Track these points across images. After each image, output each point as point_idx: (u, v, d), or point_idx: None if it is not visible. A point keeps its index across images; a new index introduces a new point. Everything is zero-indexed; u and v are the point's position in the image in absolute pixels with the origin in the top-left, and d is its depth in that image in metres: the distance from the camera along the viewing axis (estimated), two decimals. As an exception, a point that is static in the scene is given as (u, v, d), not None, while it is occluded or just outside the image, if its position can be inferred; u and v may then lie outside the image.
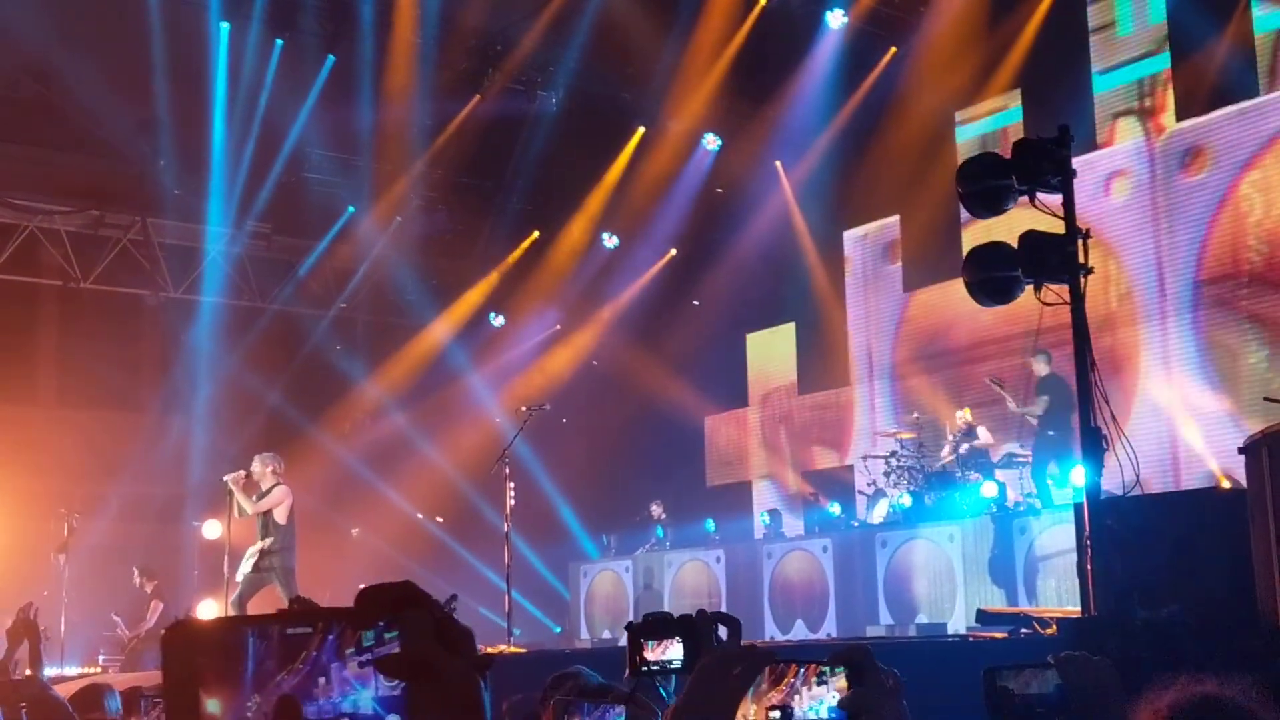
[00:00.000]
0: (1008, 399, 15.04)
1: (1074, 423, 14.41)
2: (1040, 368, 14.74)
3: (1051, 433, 14.32)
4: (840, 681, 2.29)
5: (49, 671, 8.85)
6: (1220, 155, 15.44)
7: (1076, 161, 8.80)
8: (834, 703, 2.29)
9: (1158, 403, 15.46)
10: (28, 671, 7.24)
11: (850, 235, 19.81)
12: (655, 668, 2.77)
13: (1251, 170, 15.17)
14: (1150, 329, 15.95)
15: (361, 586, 1.31)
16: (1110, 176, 16.38)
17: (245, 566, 13.18)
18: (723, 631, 2.80)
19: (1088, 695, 2.68)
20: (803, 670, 2.30)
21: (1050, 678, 2.71)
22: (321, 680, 1.23)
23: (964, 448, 15.34)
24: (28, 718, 5.03)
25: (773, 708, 2.27)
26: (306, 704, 1.24)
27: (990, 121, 17.82)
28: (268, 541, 13.16)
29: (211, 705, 1.24)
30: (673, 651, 2.77)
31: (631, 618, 14.44)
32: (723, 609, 16.16)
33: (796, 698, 2.29)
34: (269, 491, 13.29)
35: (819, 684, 2.29)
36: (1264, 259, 14.98)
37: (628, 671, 2.83)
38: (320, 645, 1.24)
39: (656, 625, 2.81)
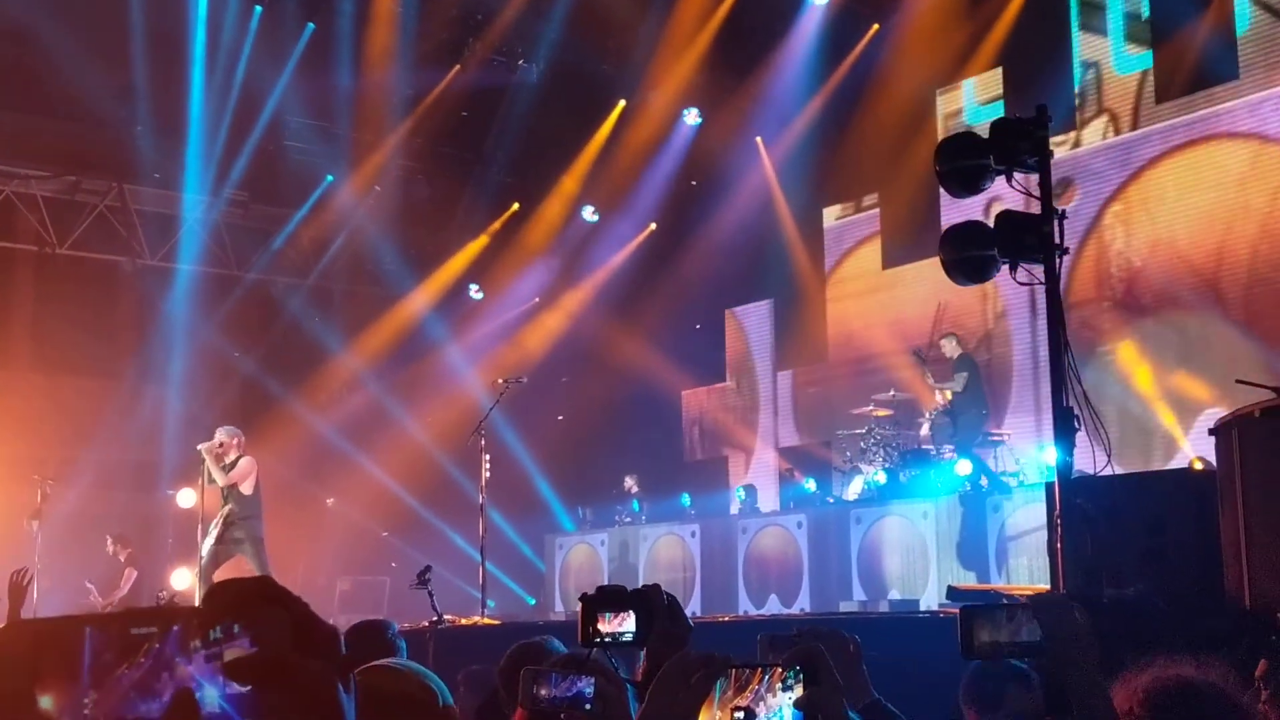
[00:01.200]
0: (926, 374, 15.38)
1: (986, 404, 14.92)
2: (953, 349, 15.28)
3: (984, 412, 14.63)
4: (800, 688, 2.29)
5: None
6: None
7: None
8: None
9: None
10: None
11: (830, 212, 19.81)
12: (608, 639, 2.77)
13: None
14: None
15: (215, 582, 1.23)
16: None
17: (209, 540, 13.21)
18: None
19: (1062, 639, 2.69)
20: (767, 676, 2.30)
21: (1024, 621, 2.71)
22: (165, 676, 1.16)
23: (939, 421, 15.42)
24: None
25: (737, 708, 2.26)
26: (146, 701, 1.16)
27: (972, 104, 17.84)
28: (229, 510, 13.20)
29: (44, 701, 1.18)
30: (626, 624, 2.77)
31: (604, 591, 14.33)
32: (697, 584, 16.32)
33: (761, 704, 2.28)
34: (235, 463, 13.34)
35: (783, 689, 2.29)
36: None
37: (580, 640, 2.83)
38: (163, 639, 1.17)
39: (610, 597, 2.81)
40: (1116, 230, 16.28)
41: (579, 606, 2.87)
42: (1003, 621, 2.76)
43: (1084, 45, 16.63)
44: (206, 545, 13.16)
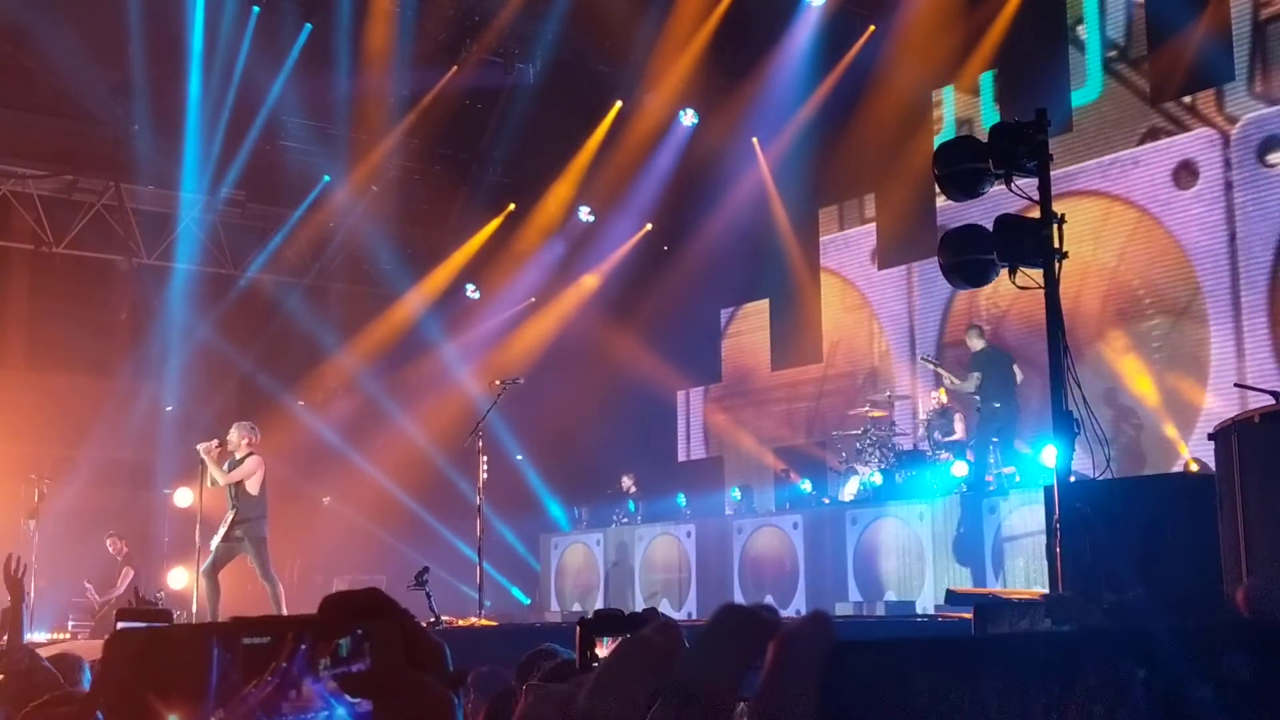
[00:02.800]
0: (944, 375, 15.21)
1: (1018, 394, 14.76)
2: (975, 343, 14.99)
3: (997, 405, 14.46)
4: None
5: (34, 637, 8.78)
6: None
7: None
8: None
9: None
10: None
11: (826, 213, 19.84)
12: None
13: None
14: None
15: (325, 595, 1.22)
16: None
17: (216, 537, 13.18)
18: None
19: None
20: None
21: (1037, 618, 2.73)
22: (292, 694, 1.12)
23: (934, 423, 15.45)
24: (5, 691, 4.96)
25: None
26: None
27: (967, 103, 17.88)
28: (235, 511, 13.16)
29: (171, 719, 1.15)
30: None
31: (601, 591, 14.51)
32: (692, 584, 16.33)
33: None
34: (241, 461, 13.28)
35: None
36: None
37: (577, 666, 2.83)
38: (291, 656, 1.13)
39: (609, 622, 2.82)
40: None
41: (576, 630, 2.87)
42: (1016, 618, 2.78)
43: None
44: (215, 541, 13.15)
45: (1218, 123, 15.26)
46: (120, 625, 1.86)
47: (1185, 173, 15.43)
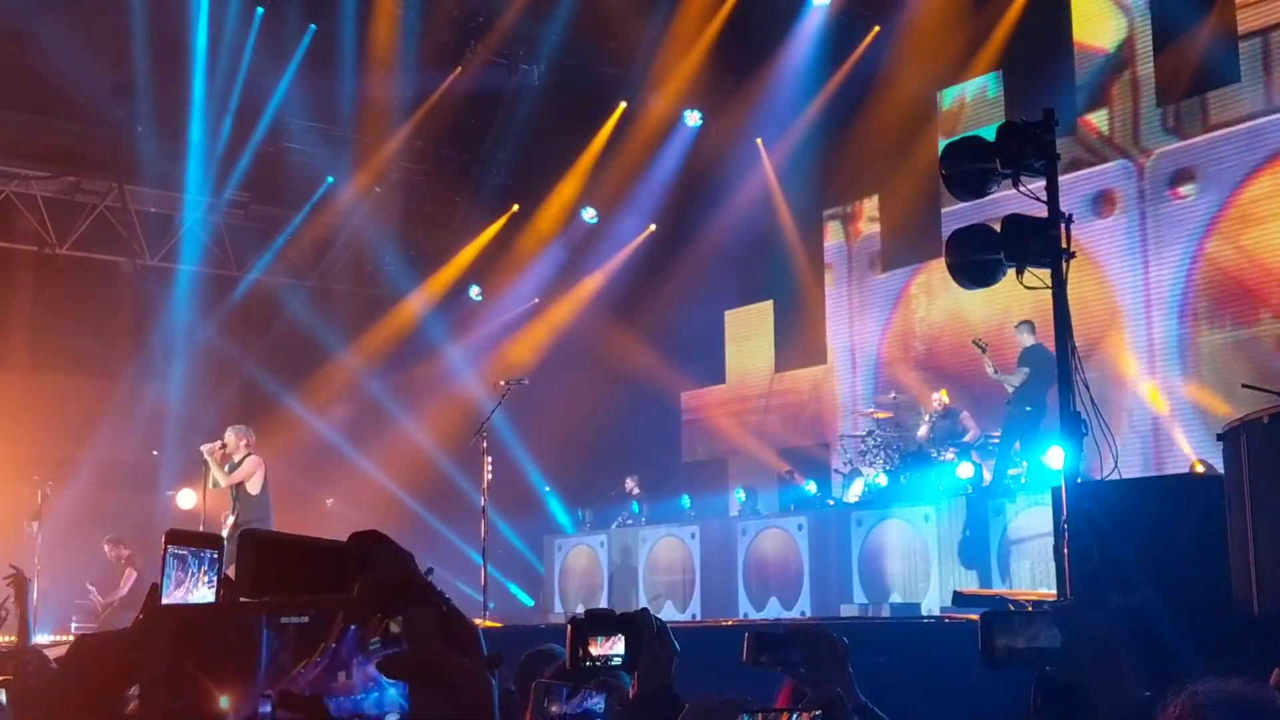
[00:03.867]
0: (986, 363, 14.86)
1: (1051, 399, 14.59)
2: (1025, 338, 14.63)
3: (1028, 408, 14.29)
4: None
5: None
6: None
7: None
8: None
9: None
10: (10, 638, 7.12)
11: (830, 213, 19.82)
12: (598, 664, 2.76)
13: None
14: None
15: (364, 577, 1.19)
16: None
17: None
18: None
19: (1085, 644, 2.68)
20: (794, 717, 2.30)
21: (1043, 627, 2.69)
22: (340, 675, 1.15)
23: (938, 424, 15.40)
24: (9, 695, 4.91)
25: None
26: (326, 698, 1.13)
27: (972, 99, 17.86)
28: (236, 514, 13.16)
29: (222, 702, 1.14)
30: (616, 648, 2.75)
31: (605, 593, 14.40)
32: (697, 585, 16.29)
33: None
34: (241, 463, 13.27)
35: None
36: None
37: (568, 664, 2.81)
38: (340, 637, 1.16)
39: (600, 621, 2.79)
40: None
41: (568, 629, 2.85)
42: (1022, 627, 2.74)
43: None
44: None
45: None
46: (171, 549, 1.81)
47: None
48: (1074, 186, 15.35)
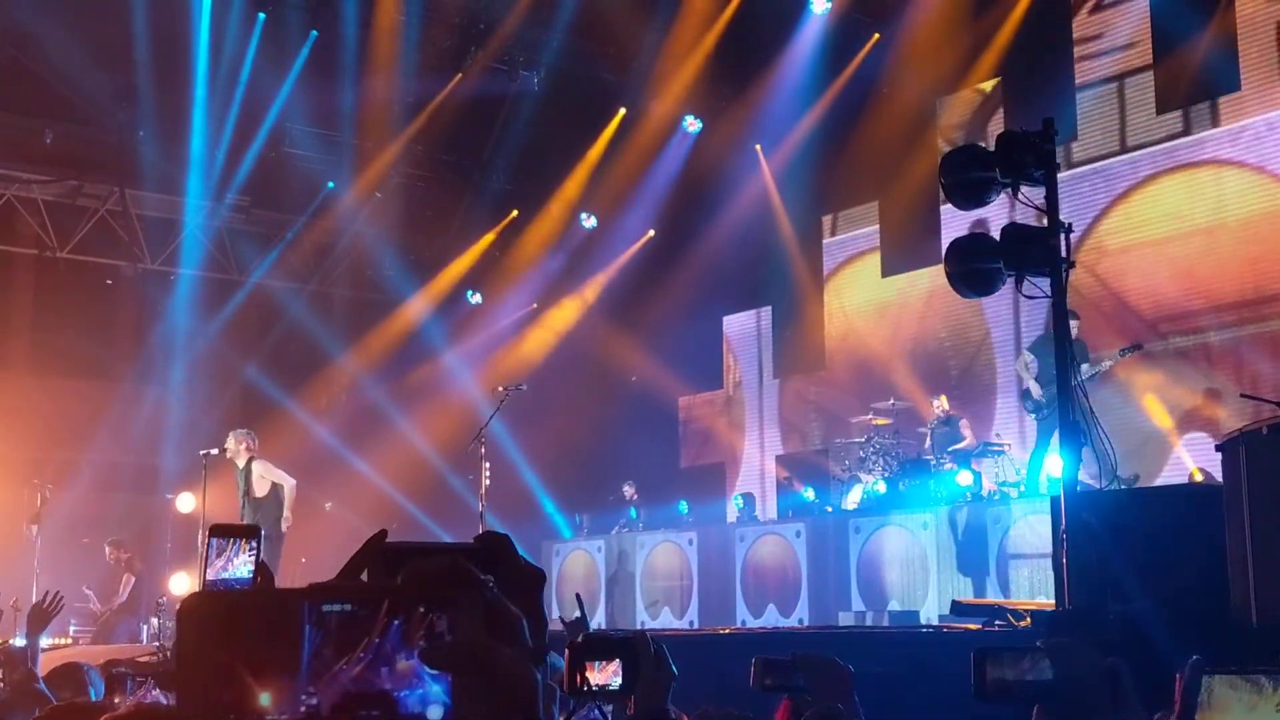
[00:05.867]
0: (1026, 377, 14.35)
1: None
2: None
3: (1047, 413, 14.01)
4: None
5: (16, 643, 8.74)
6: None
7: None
8: None
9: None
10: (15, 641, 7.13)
11: (829, 220, 19.86)
12: (596, 689, 2.76)
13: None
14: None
15: (409, 566, 1.17)
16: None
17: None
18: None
19: (1077, 679, 2.69)
20: None
21: (1036, 661, 2.70)
22: (385, 670, 1.13)
23: (937, 431, 15.42)
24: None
25: None
26: (368, 695, 1.11)
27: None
28: (249, 520, 13.28)
29: (264, 699, 1.12)
30: (614, 673, 2.76)
31: (603, 599, 14.38)
32: (694, 592, 16.30)
33: None
34: (246, 468, 13.42)
35: None
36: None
37: (566, 690, 2.81)
38: (384, 631, 1.13)
39: (598, 646, 2.79)
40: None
41: (565, 654, 2.84)
42: (1013, 661, 2.74)
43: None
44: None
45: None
46: (213, 538, 1.89)
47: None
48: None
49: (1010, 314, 16.93)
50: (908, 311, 18.53)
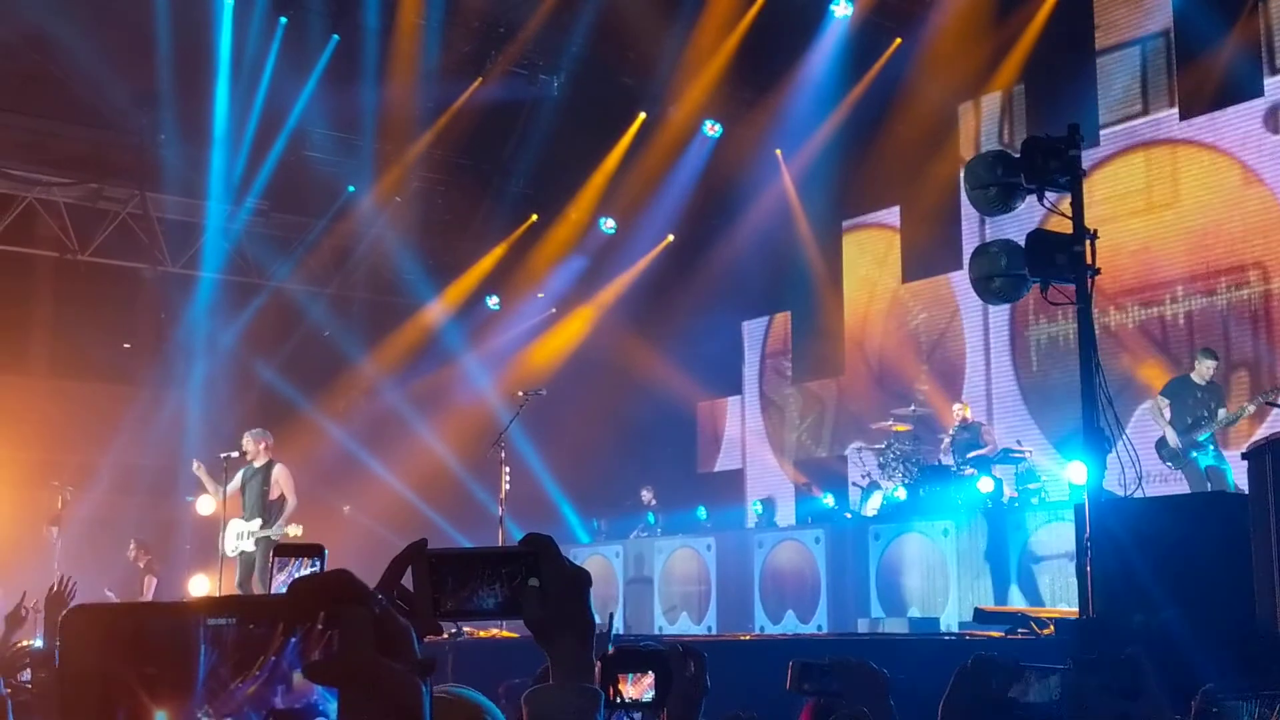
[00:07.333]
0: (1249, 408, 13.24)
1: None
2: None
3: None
4: None
5: (36, 644, 8.76)
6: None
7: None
8: None
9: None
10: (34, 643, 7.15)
11: (850, 224, 19.81)
12: (629, 702, 2.76)
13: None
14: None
15: (293, 578, 1.14)
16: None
17: (243, 543, 13.23)
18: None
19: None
20: None
21: (1036, 680, 2.68)
22: (281, 689, 1.09)
23: (959, 438, 15.36)
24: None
25: None
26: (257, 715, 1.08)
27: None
28: (260, 520, 13.26)
29: (159, 717, 1.08)
30: (646, 686, 2.75)
31: (620, 604, 14.35)
32: (713, 597, 16.26)
33: None
34: (263, 469, 13.42)
35: None
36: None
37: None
38: (281, 649, 1.09)
39: (630, 659, 2.78)
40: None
41: (596, 665, 2.83)
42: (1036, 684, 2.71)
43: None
44: (239, 549, 13.28)
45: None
46: (277, 556, 1.93)
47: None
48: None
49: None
50: (928, 317, 18.47)
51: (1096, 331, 8.77)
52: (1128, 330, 16.00)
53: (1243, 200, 15.16)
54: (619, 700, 2.74)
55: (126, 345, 20.15)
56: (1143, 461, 8.16)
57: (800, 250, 19.85)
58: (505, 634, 12.71)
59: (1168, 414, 12.92)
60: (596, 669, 2.76)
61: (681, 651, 2.94)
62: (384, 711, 1.09)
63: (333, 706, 1.08)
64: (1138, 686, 2.78)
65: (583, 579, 1.72)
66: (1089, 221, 8.40)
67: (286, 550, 1.94)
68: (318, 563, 1.89)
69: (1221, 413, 12.68)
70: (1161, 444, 12.95)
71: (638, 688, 2.74)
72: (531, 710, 1.76)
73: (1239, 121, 15.32)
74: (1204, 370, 12.77)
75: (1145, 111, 16.20)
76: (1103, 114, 16.33)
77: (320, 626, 1.08)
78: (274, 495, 13.53)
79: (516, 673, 5.50)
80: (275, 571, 1.90)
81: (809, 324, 20.21)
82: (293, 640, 1.09)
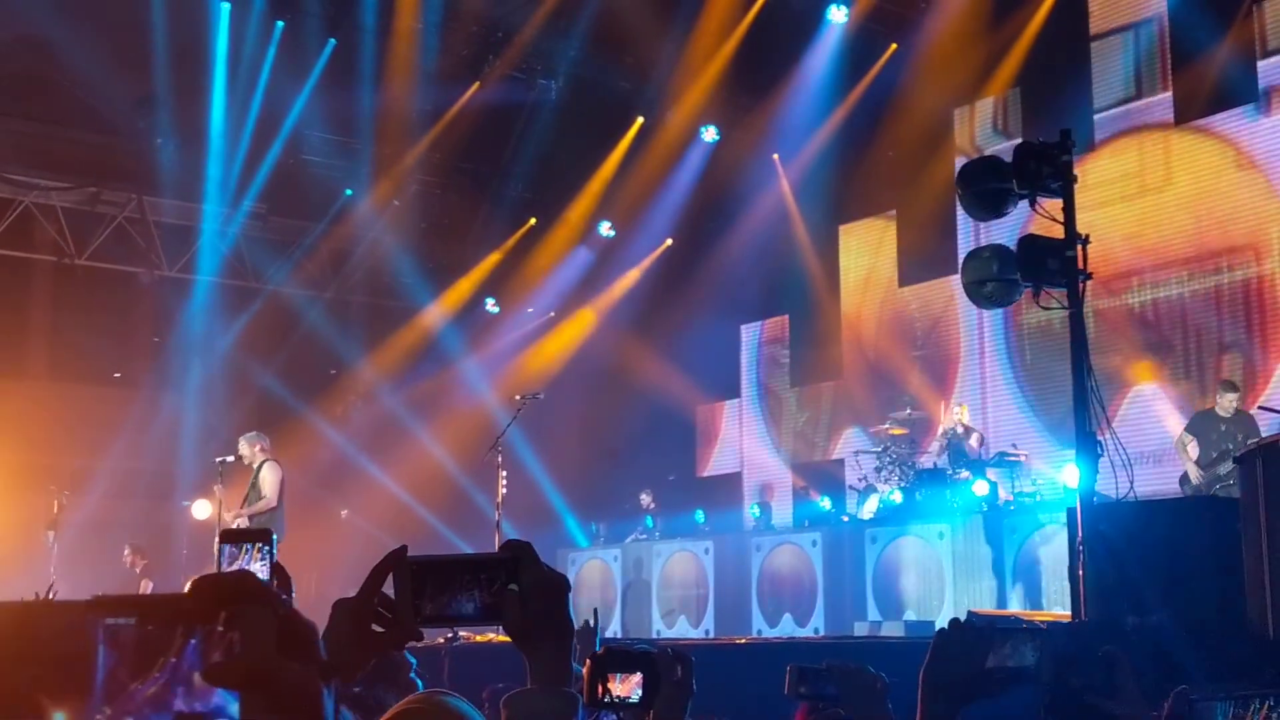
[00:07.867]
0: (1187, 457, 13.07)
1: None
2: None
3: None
4: None
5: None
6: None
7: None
8: None
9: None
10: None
11: (845, 230, 19.83)
12: (617, 700, 2.77)
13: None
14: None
15: (195, 577, 1.13)
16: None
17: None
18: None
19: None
20: None
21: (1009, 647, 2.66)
22: (181, 690, 1.07)
23: (954, 442, 15.37)
24: None
25: None
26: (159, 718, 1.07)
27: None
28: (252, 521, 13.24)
29: (58, 718, 1.07)
30: (634, 686, 2.77)
31: (619, 608, 14.39)
32: (710, 601, 16.28)
33: None
34: (259, 470, 13.41)
35: None
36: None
37: (585, 700, 2.81)
38: (181, 650, 1.08)
39: (619, 659, 2.80)
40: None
41: (585, 665, 2.84)
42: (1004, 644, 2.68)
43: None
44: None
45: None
46: (225, 544, 1.90)
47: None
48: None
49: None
50: (925, 320, 18.48)
51: (1089, 317, 8.81)
52: (1120, 314, 16.02)
53: (1236, 183, 15.19)
54: (606, 698, 2.76)
55: (117, 375, 20.16)
56: (1133, 463, 8.16)
57: (797, 254, 19.86)
58: (501, 639, 12.72)
59: (1193, 450, 12.80)
60: (585, 667, 2.79)
61: (670, 655, 2.95)
62: (284, 713, 1.08)
63: (234, 708, 1.08)
64: (1114, 685, 2.79)
65: (562, 584, 1.74)
66: (1084, 208, 8.44)
67: (233, 536, 1.91)
68: (266, 549, 1.86)
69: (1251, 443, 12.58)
70: (1184, 480, 12.87)
71: (625, 686, 2.75)
72: (510, 714, 1.78)
73: (1232, 106, 15.35)
74: (1226, 403, 12.68)
75: (1139, 96, 16.22)
76: (1096, 99, 16.33)
77: (221, 628, 1.08)
78: (266, 492, 13.54)
79: (512, 677, 5.48)
80: (226, 561, 1.88)
81: (806, 327, 20.22)
82: (193, 641, 1.08)
